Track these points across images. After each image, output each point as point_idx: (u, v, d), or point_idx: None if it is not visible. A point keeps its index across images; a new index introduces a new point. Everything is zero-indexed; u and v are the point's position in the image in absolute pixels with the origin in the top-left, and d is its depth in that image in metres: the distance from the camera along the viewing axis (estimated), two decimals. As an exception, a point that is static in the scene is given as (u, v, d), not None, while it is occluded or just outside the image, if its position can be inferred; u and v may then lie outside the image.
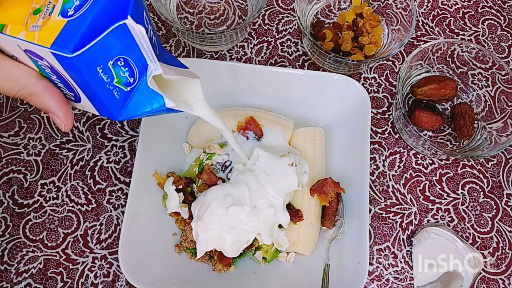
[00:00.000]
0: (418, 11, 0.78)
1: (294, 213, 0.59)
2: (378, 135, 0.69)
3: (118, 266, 0.60)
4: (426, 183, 0.67)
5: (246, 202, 0.55)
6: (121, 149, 0.66)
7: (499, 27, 0.77)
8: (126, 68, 0.34)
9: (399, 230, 0.64)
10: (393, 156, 0.68)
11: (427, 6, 0.78)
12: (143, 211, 0.57)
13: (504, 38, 0.76)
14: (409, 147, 0.68)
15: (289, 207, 0.60)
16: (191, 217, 0.58)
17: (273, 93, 0.65)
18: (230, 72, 0.63)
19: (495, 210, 0.66)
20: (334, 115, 0.66)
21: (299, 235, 0.59)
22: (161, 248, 0.59)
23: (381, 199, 0.65)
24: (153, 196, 0.60)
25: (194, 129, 0.65)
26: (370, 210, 0.64)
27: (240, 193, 0.55)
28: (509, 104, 0.64)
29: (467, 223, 0.65)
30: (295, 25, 0.76)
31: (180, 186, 0.59)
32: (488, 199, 0.66)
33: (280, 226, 0.59)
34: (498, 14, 0.78)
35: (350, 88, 0.61)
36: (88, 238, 0.61)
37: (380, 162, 0.67)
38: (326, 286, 0.53)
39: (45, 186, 0.63)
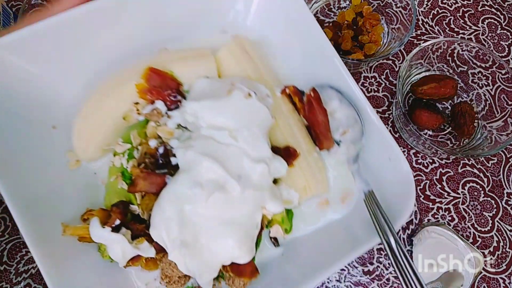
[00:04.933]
0: (418, 10, 0.77)
1: (286, 153, 0.46)
2: (378, 134, 0.69)
3: (117, 266, 0.59)
4: (426, 182, 0.66)
5: (226, 178, 0.40)
6: None
7: (499, 26, 0.77)
8: None
9: (399, 230, 0.64)
10: (393, 155, 0.68)
11: (427, 5, 0.78)
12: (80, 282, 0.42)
13: (504, 37, 0.76)
14: (409, 146, 0.68)
15: (276, 150, 0.46)
16: (160, 250, 0.42)
17: (160, 22, 0.46)
18: (91, 25, 0.45)
19: (495, 209, 0.66)
20: (264, 21, 0.51)
21: (306, 175, 0.46)
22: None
23: (381, 198, 0.65)
24: (84, 259, 0.43)
25: (77, 132, 0.45)
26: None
27: (208, 173, 0.40)
28: (509, 103, 0.64)
29: (468, 222, 0.65)
30: (294, 24, 0.75)
31: (117, 222, 0.40)
32: (489, 198, 0.66)
33: (275, 182, 0.46)
34: (498, 13, 0.78)
35: None
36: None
37: (380, 161, 0.67)
38: (377, 216, 0.42)
39: (44, 186, 0.63)
